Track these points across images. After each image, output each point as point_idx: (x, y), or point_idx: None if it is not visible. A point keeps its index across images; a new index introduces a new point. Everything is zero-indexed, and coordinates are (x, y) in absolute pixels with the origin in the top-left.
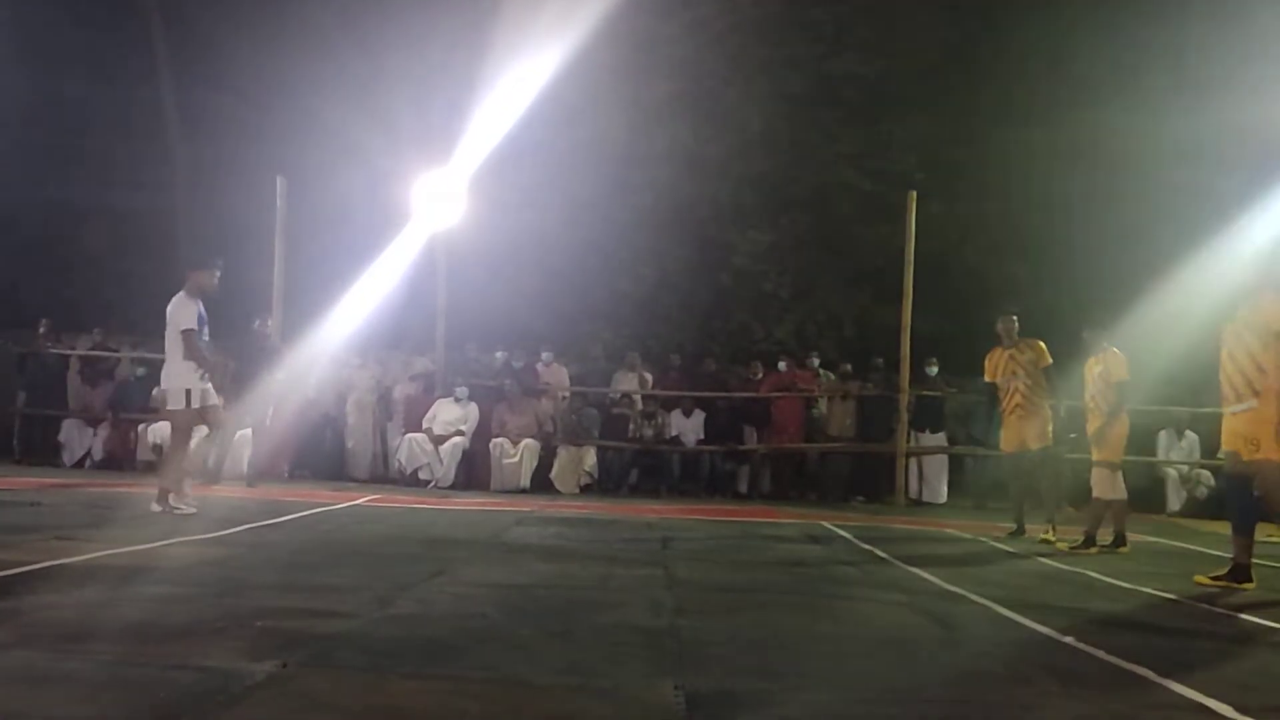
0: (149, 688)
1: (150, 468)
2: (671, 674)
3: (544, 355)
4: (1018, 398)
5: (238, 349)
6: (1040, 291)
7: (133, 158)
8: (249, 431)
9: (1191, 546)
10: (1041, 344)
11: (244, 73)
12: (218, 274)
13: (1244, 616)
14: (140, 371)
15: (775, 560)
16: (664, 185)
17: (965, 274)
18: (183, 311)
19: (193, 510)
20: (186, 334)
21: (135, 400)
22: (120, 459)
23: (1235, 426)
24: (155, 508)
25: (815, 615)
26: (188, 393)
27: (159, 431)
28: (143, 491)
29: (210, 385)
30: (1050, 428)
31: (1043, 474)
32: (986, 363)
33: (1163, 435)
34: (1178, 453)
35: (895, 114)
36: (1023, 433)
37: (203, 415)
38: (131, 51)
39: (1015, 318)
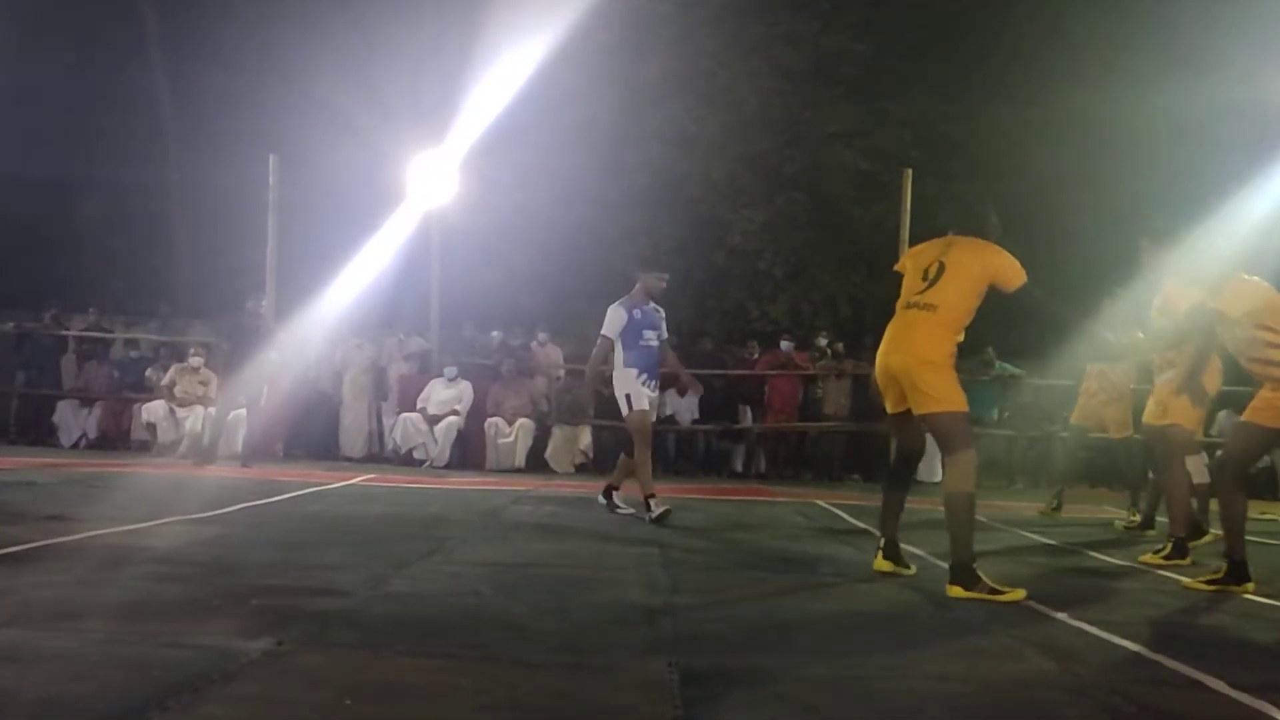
0: (143, 665)
1: (144, 447)
2: (666, 651)
3: (540, 335)
4: (1101, 380)
5: (230, 328)
6: (1036, 271)
7: (124, 135)
8: (243, 411)
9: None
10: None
11: (237, 49)
12: None
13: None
14: (134, 353)
15: (770, 538)
16: (658, 164)
17: None
18: None
19: None
20: None
21: (130, 380)
22: (114, 439)
23: (1156, 395)
24: None
25: (809, 593)
26: None
27: (153, 411)
28: (136, 471)
29: None
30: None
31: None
32: None
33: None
34: None
35: (890, 92)
36: (1101, 415)
37: None
38: (123, 27)
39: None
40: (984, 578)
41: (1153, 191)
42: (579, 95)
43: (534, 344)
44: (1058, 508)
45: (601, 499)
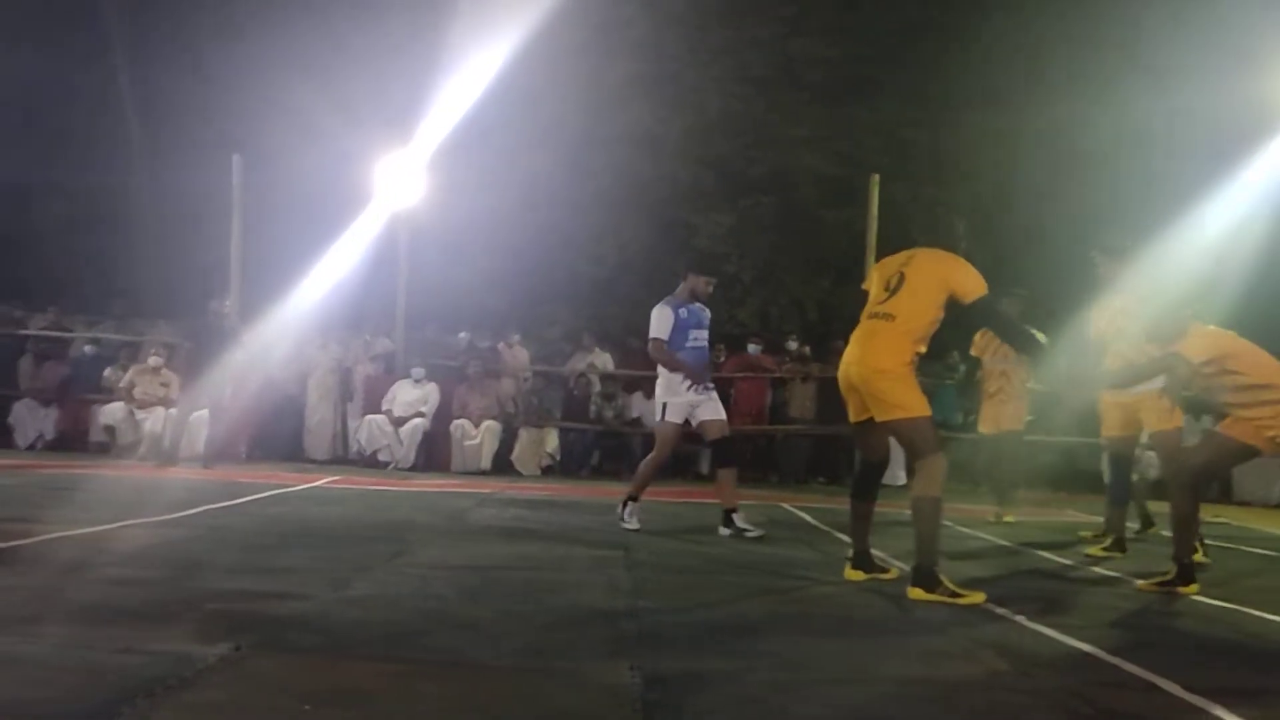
0: (99, 671)
1: (103, 449)
2: (629, 654)
3: (512, 337)
4: (1002, 380)
5: (195, 329)
6: (1001, 276)
7: (88, 136)
8: (205, 412)
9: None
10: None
11: (201, 50)
12: None
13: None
14: (92, 350)
15: (734, 542)
16: (623, 167)
17: None
18: None
19: None
20: None
21: (89, 381)
22: (73, 440)
23: (1150, 403)
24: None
25: (773, 596)
26: None
27: (112, 413)
28: (95, 473)
29: None
30: (1024, 413)
31: (1006, 457)
32: (978, 336)
33: None
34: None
35: (857, 97)
36: (999, 415)
37: None
38: (86, 27)
39: (1022, 299)
40: (945, 581)
41: (1116, 199)
42: (545, 97)
43: (503, 345)
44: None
45: (724, 530)
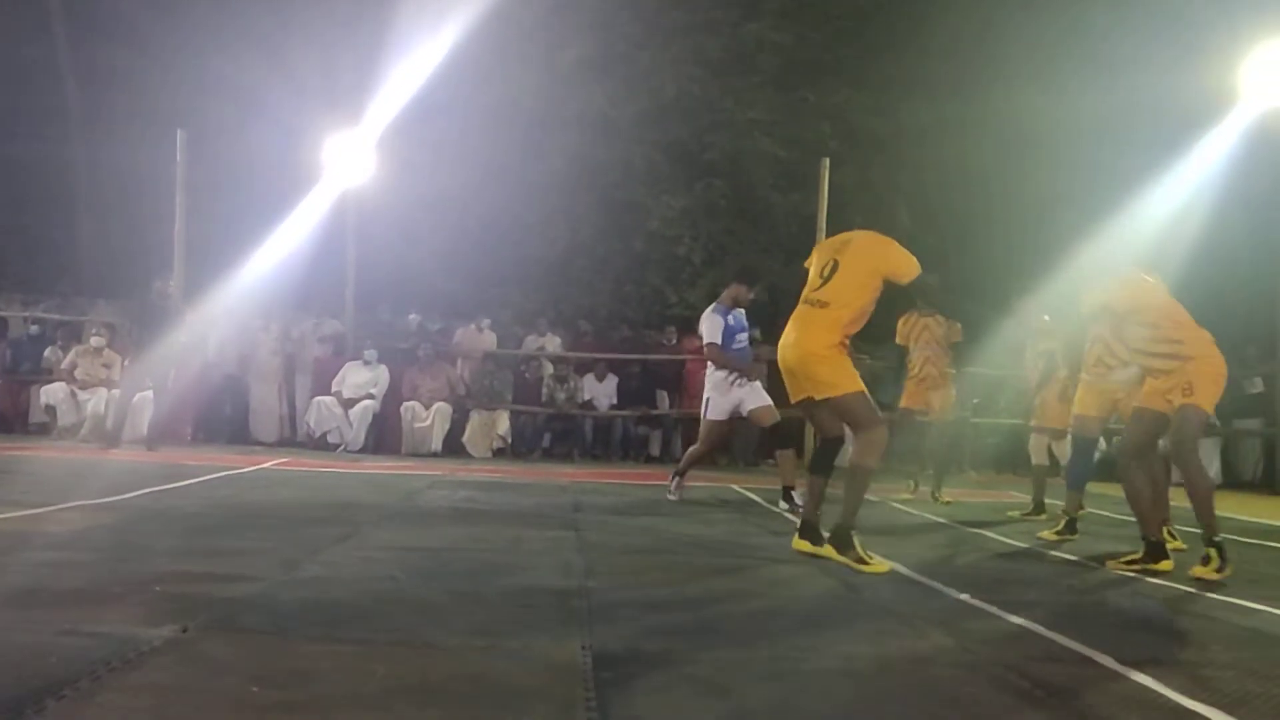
0: (40, 653)
1: (43, 430)
2: (580, 634)
3: (482, 321)
4: (929, 367)
5: (137, 309)
6: (951, 261)
7: (24, 110)
8: (149, 394)
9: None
10: (958, 324)
11: (143, 23)
12: None
13: (1125, 573)
14: (33, 330)
15: (685, 523)
16: (576, 149)
17: None
18: None
19: None
20: None
21: (28, 360)
22: (12, 420)
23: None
24: None
25: (724, 577)
26: None
27: (53, 393)
28: (35, 454)
29: None
30: (952, 398)
31: (940, 440)
32: (900, 325)
33: None
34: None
35: (810, 82)
36: (928, 399)
37: None
38: (22, 2)
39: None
40: (858, 546)
41: (1066, 187)
42: (497, 77)
43: (474, 328)
44: (935, 493)
45: (783, 504)
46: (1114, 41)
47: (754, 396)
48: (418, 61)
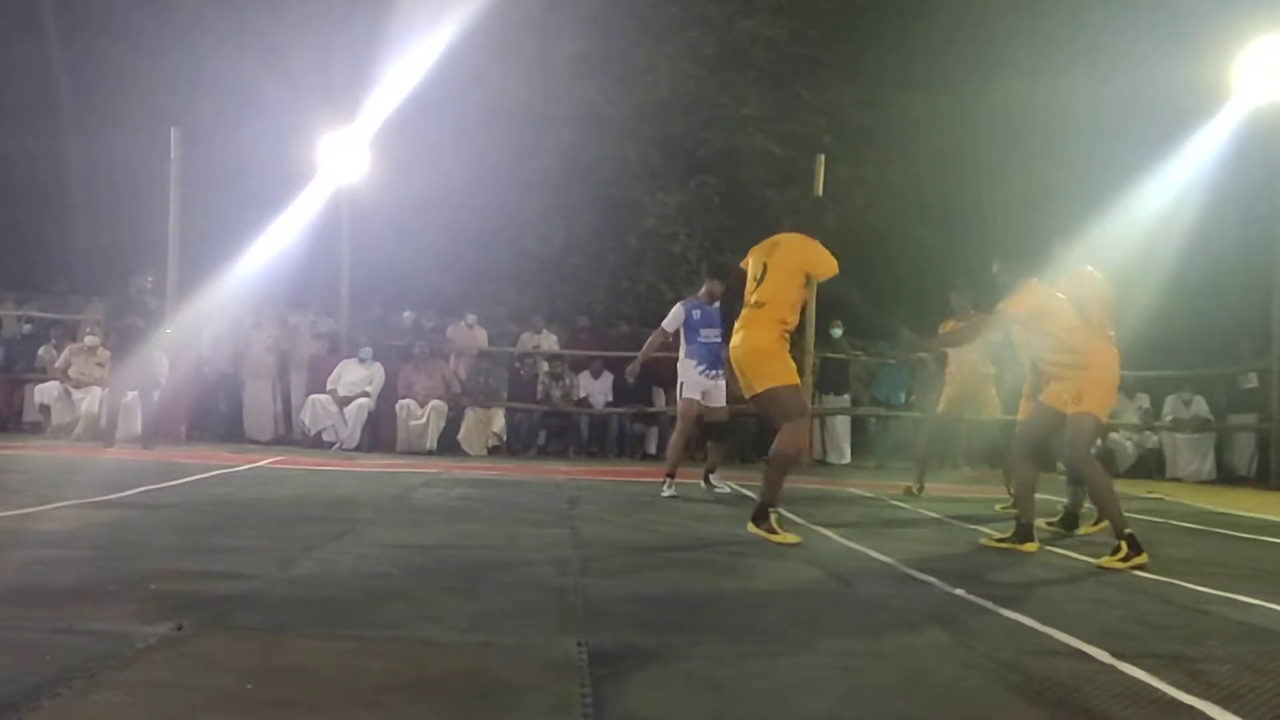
0: (36, 651)
1: (36, 429)
2: (576, 630)
3: (469, 317)
4: (966, 367)
5: (118, 307)
6: (947, 256)
7: (19, 107)
8: (136, 394)
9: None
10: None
11: (137, 20)
12: None
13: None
14: (27, 328)
15: (680, 520)
16: (571, 146)
17: (872, 238)
18: None
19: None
20: None
21: (21, 359)
22: (5, 419)
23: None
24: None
25: (718, 572)
26: None
27: (47, 392)
28: (29, 453)
29: None
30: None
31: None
32: (940, 331)
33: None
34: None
35: (804, 77)
36: (979, 398)
37: None
38: None
39: (968, 289)
40: (772, 521)
41: (1059, 180)
42: (491, 74)
43: (463, 324)
44: (920, 488)
45: (702, 484)
46: (1108, 36)
47: (716, 394)
48: (412, 58)
